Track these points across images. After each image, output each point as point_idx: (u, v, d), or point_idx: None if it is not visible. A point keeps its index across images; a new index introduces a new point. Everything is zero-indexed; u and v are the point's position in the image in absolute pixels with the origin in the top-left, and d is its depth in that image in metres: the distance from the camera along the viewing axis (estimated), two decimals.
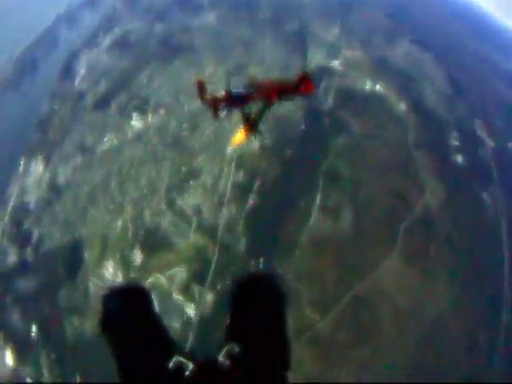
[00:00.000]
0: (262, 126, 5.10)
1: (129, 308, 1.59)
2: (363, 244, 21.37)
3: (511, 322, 20.61)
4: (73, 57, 32.49)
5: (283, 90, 4.02)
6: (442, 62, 37.74)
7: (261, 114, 4.40)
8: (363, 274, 20.09)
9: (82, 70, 30.54)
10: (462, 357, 19.27)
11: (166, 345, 1.61)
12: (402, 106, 31.03)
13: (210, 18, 32.41)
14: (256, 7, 33.97)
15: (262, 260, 20.87)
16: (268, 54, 29.37)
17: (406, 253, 20.96)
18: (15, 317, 23.15)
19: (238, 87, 4.23)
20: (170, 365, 1.47)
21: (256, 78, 4.25)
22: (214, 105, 4.43)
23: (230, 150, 22.78)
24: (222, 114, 4.59)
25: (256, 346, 1.52)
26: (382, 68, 33.70)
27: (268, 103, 4.15)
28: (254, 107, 4.27)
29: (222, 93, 4.33)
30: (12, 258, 25.17)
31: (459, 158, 27.36)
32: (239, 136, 4.80)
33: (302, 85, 3.84)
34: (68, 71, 31.06)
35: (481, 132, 30.54)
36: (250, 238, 21.24)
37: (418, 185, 24.15)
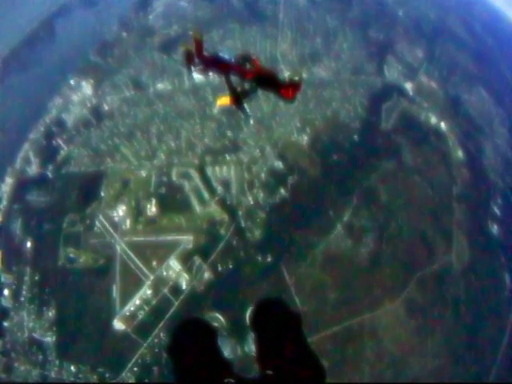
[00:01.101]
0: (247, 107, 4.95)
1: (195, 337, 1.79)
2: (374, 277, 20.67)
3: None
4: None
5: (263, 79, 4.11)
6: None
7: (246, 92, 4.40)
8: (363, 309, 19.54)
9: (159, 7, 29.94)
10: None
11: (221, 367, 1.75)
12: (460, 154, 29.33)
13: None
14: (349, 2, 32.28)
15: (269, 258, 20.24)
16: (345, 52, 27.92)
17: (410, 303, 20.39)
18: (15, 226, 23.61)
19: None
20: None
21: (251, 56, 4.25)
22: (189, 57, 4.35)
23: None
24: (196, 70, 4.40)
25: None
26: (452, 107, 32.00)
27: (255, 84, 4.22)
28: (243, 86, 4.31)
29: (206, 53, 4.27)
30: (33, 169, 25.45)
31: (495, 229, 26.40)
32: (225, 99, 4.65)
33: (286, 87, 3.94)
34: (145, 4, 30.51)
35: None
36: (267, 230, 20.59)
37: (448, 240, 23.31)
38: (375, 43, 30.37)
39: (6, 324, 20.37)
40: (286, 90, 4.03)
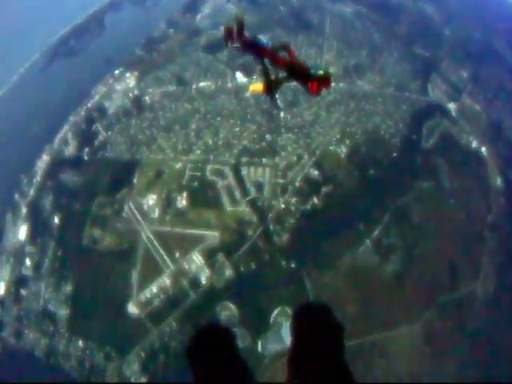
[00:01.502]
0: (278, 96, 4.96)
1: (217, 343, 1.74)
2: (395, 297, 20.01)
3: None
4: None
5: (294, 69, 4.14)
6: None
7: (279, 81, 4.42)
8: (380, 327, 19.02)
9: (206, 9, 30.71)
10: None
11: (243, 377, 1.74)
12: (498, 182, 28.05)
13: (348, 9, 30.93)
14: (396, 17, 31.85)
15: (293, 264, 19.93)
16: (390, 67, 27.43)
17: (428, 328, 19.67)
18: (46, 202, 24.30)
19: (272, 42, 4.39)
20: None
21: (288, 46, 4.35)
22: (229, 34, 4.51)
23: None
24: (232, 46, 4.54)
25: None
26: (494, 132, 30.78)
27: (287, 74, 4.30)
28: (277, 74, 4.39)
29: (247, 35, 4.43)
30: (70, 150, 26.39)
31: None
32: (258, 86, 4.71)
33: (314, 80, 3.90)
34: (193, 5, 31.39)
35: None
36: (295, 237, 20.32)
37: (475, 269, 22.24)
38: (421, 60, 29.70)
39: (23, 292, 21.29)
40: (312, 83, 3.99)
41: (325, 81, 4.04)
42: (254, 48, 4.45)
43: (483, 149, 28.63)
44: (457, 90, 30.99)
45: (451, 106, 29.35)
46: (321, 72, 3.99)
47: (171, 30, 29.82)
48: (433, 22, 36.55)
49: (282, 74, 4.34)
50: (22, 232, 23.83)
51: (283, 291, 19.65)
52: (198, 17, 30.44)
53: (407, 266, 20.94)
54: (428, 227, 22.40)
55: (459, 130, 28.32)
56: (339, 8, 30.79)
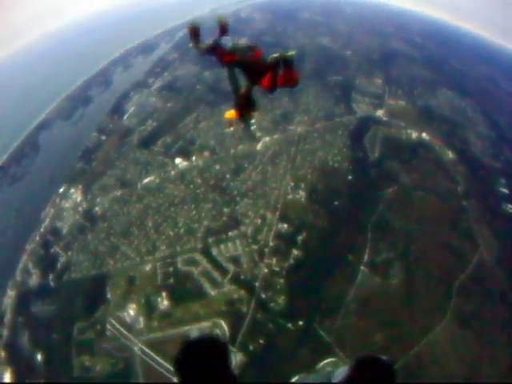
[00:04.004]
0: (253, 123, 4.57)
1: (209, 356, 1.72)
2: (414, 303, 19.37)
3: None
4: (124, 95, 34.36)
5: (246, 63, 3.88)
6: (483, 106, 37.64)
7: (246, 98, 4.25)
8: (414, 339, 17.91)
9: (131, 107, 31.93)
10: None
11: None
12: (450, 155, 29.87)
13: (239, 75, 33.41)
14: (301, 60, 35.26)
15: (301, 322, 18.69)
16: (312, 103, 29.49)
17: (460, 313, 19.11)
18: (23, 339, 21.81)
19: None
20: None
21: (256, 48, 4.10)
22: (195, 34, 4.24)
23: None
24: (198, 47, 4.32)
25: None
26: (426, 116, 33.55)
27: (250, 83, 4.09)
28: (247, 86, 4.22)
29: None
30: (34, 280, 24.51)
31: (510, 208, 26.02)
32: (231, 112, 4.55)
33: (269, 71, 3.64)
34: (118, 108, 32.59)
35: None
36: (290, 295, 19.24)
37: (472, 238, 22.68)
38: (336, 86, 32.41)
39: None
40: (264, 77, 3.69)
41: (289, 64, 3.61)
42: (215, 50, 4.13)
43: (424, 134, 30.73)
44: (378, 97, 33.91)
45: (379, 112, 31.76)
46: (275, 55, 3.55)
47: (103, 137, 30.28)
48: (333, 50, 41.15)
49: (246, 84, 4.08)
50: (6, 378, 20.64)
51: (303, 353, 18.04)
52: (125, 117, 31.45)
53: (410, 271, 20.52)
54: (411, 227, 22.51)
55: (396, 129, 30.36)
56: None
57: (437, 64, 46.51)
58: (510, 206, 25.80)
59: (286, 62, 3.72)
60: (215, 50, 4.20)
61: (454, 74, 45.36)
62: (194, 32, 4.28)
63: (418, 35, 59.32)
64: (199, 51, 4.31)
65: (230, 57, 4.05)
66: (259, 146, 25.58)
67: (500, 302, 19.73)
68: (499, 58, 67.02)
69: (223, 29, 4.24)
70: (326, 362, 17.56)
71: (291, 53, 3.79)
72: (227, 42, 4.17)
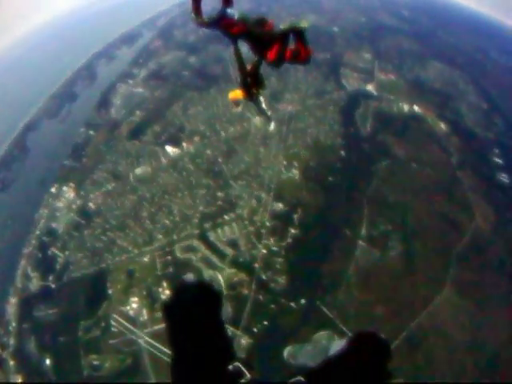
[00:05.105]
0: (263, 101, 4.44)
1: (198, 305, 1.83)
2: (414, 274, 19.42)
3: None
4: (109, 88, 33.59)
5: (253, 35, 3.49)
6: (473, 77, 37.36)
7: (255, 69, 3.97)
8: (415, 310, 17.92)
9: (117, 100, 31.29)
10: None
11: (228, 350, 2.08)
12: (442, 126, 29.68)
13: (243, 49, 32.77)
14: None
15: (303, 300, 18.83)
16: (301, 81, 28.98)
17: (459, 283, 19.18)
18: (31, 346, 22.00)
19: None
20: (229, 368, 2.30)
21: (267, 21, 3.69)
22: (197, 5, 3.85)
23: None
24: (199, 22, 3.94)
25: None
26: (417, 89, 33.23)
27: (258, 58, 3.80)
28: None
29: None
30: (34, 283, 24.37)
31: (504, 177, 26.17)
32: (237, 93, 4.27)
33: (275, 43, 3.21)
34: (104, 102, 31.95)
35: None
36: (291, 274, 19.31)
37: (467, 208, 22.77)
38: (325, 63, 31.82)
39: None
40: (272, 49, 3.29)
41: (298, 45, 3.23)
42: (221, 22, 3.76)
43: (415, 107, 30.46)
44: (367, 71, 33.42)
45: (370, 87, 31.34)
46: (285, 26, 3.17)
47: (92, 132, 29.73)
48: (319, 27, 40.26)
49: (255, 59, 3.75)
50: None
51: (308, 330, 18.22)
52: (112, 109, 30.82)
53: (408, 243, 20.61)
54: (407, 199, 22.56)
55: (387, 103, 30.04)
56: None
57: (426, 37, 45.92)
58: (504, 175, 25.88)
59: (298, 34, 3.33)
60: (221, 21, 3.83)
61: (444, 46, 44.89)
62: (196, 2, 3.86)
63: (405, 8, 58.27)
64: (201, 25, 3.97)
65: (241, 28, 3.67)
66: (250, 127, 25.28)
67: (498, 269, 19.92)
68: (488, 29, 66.38)
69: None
70: (320, 333, 17.60)
71: (304, 24, 3.37)
72: (233, 12, 3.81)
